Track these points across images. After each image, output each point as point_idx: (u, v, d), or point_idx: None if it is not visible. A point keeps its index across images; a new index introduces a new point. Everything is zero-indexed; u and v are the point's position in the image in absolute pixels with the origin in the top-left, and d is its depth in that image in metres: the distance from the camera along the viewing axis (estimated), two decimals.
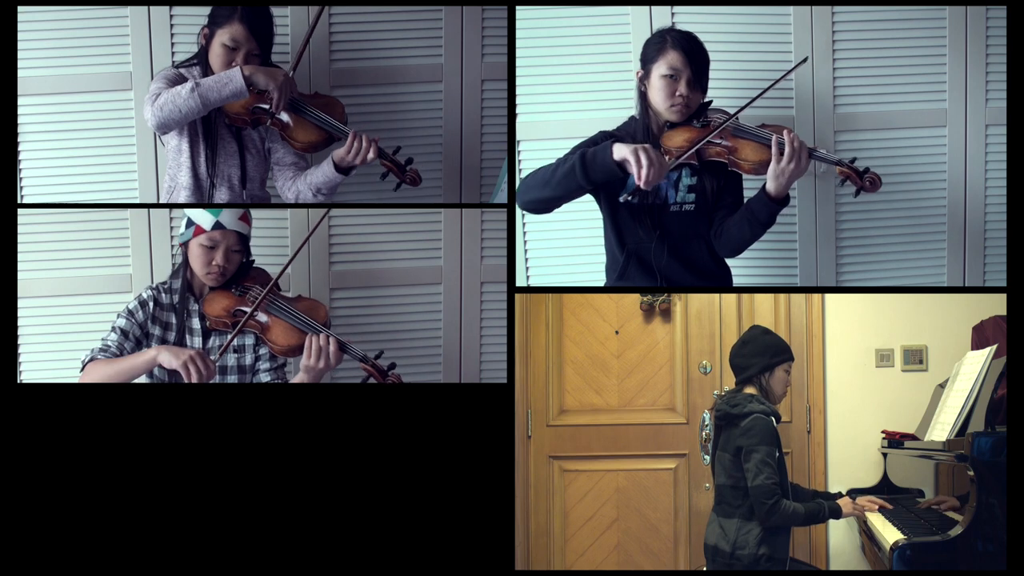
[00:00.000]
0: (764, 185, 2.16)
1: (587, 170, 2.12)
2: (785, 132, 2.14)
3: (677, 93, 2.22)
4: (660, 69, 2.23)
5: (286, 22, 2.55)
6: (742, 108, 2.24)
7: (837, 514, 2.24)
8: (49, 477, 2.22)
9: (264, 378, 2.29)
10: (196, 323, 2.28)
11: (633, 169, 2.06)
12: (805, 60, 2.43)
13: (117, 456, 2.23)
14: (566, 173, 2.14)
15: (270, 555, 2.23)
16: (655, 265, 2.27)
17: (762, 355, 2.27)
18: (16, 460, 2.22)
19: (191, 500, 2.23)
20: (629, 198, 2.23)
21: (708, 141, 2.22)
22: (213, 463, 2.24)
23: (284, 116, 2.30)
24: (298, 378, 2.20)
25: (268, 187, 2.46)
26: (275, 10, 2.48)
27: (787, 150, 2.11)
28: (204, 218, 2.22)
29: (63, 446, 2.23)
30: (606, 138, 2.29)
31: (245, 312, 2.23)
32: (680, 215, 2.27)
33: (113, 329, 2.22)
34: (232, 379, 2.28)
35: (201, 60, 2.32)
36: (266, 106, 2.27)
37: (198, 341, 2.27)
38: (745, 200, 2.28)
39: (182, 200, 2.32)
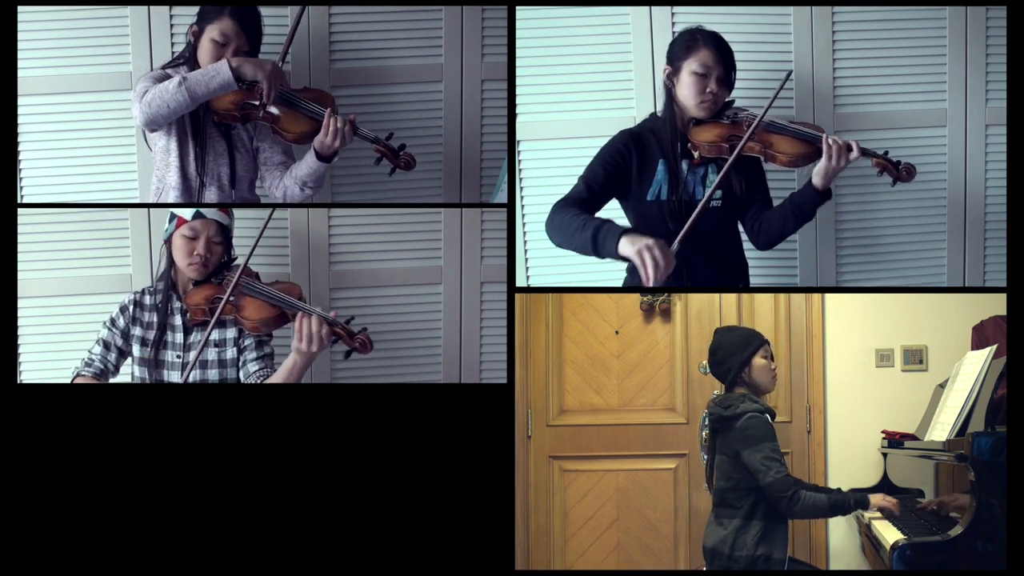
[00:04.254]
0: (810, 180, 2.24)
1: (599, 253, 2.05)
2: (824, 135, 2.21)
3: (708, 90, 2.26)
4: (691, 66, 2.25)
5: (285, 22, 2.55)
6: (769, 104, 2.26)
7: (865, 505, 2.20)
8: (49, 477, 2.22)
9: (252, 368, 2.26)
10: (177, 320, 2.27)
11: (640, 271, 1.97)
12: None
13: (117, 456, 2.23)
14: (583, 244, 2.07)
15: (270, 555, 2.23)
16: (681, 261, 2.27)
17: (732, 353, 2.26)
18: (16, 460, 2.22)
19: (191, 500, 2.23)
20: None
21: (739, 137, 2.25)
22: (213, 463, 2.24)
23: (274, 109, 2.27)
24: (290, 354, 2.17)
25: (256, 188, 2.45)
26: (276, 10, 2.49)
27: (835, 149, 2.18)
28: (184, 210, 2.24)
29: (63, 446, 2.23)
30: (629, 137, 2.30)
31: (221, 299, 2.22)
32: (708, 212, 2.28)
33: (97, 341, 2.28)
34: (213, 373, 2.26)
35: (189, 59, 2.30)
36: (255, 101, 2.24)
37: (179, 337, 2.27)
38: (771, 194, 2.36)
39: (171, 201, 2.31)
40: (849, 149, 2.20)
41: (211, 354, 2.26)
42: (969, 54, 2.64)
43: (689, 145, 2.29)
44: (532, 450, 2.98)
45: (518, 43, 2.51)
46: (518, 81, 2.55)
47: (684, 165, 2.29)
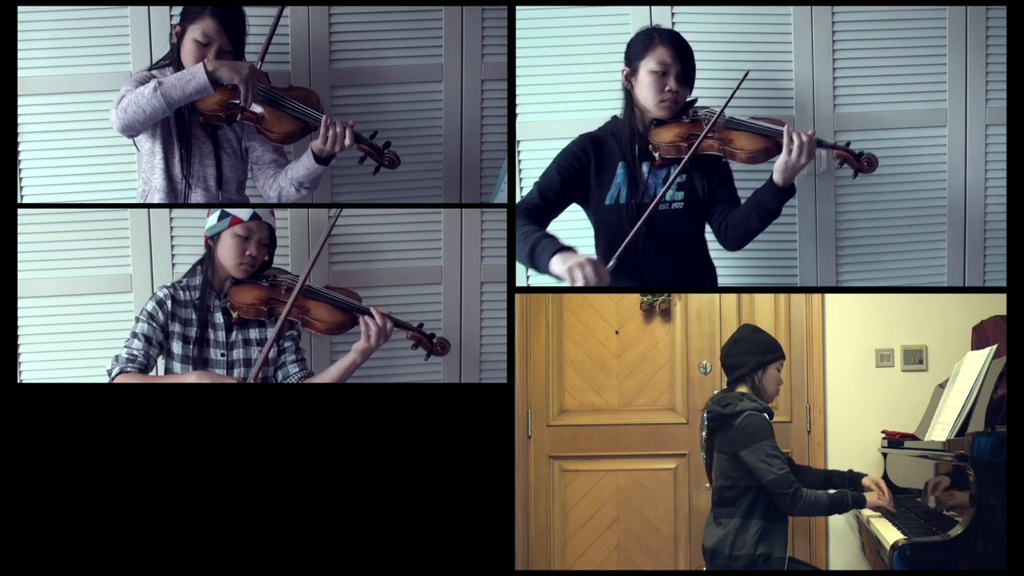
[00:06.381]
0: (771, 178, 2.18)
1: (536, 268, 2.06)
2: (786, 127, 2.16)
3: (667, 88, 2.23)
4: (649, 65, 2.23)
5: (285, 22, 2.55)
6: (728, 100, 2.24)
7: (861, 504, 2.23)
8: (49, 477, 2.22)
9: (293, 369, 2.31)
10: (219, 317, 2.28)
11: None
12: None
13: (117, 456, 2.23)
14: (523, 258, 2.08)
15: (270, 555, 2.23)
16: (643, 265, 2.27)
17: (754, 353, 2.26)
18: (16, 460, 2.22)
19: (191, 500, 2.23)
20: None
21: (698, 135, 2.22)
22: (213, 463, 2.24)
23: (257, 108, 2.26)
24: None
25: (248, 188, 2.45)
26: (261, 9, 2.48)
27: (796, 144, 2.14)
28: (240, 210, 2.25)
29: (63, 446, 2.23)
30: (588, 141, 2.27)
31: (279, 301, 2.26)
32: (669, 214, 2.26)
33: (135, 336, 2.22)
34: (255, 370, 2.26)
35: (173, 60, 2.29)
36: (237, 100, 2.23)
37: (221, 335, 2.28)
38: (738, 193, 2.31)
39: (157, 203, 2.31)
40: (809, 140, 2.14)
41: (253, 352, 2.28)
42: (969, 54, 2.64)
43: (650, 147, 2.26)
44: (532, 450, 2.98)
45: (518, 43, 2.51)
46: (518, 81, 2.55)
47: (645, 168, 2.26)
